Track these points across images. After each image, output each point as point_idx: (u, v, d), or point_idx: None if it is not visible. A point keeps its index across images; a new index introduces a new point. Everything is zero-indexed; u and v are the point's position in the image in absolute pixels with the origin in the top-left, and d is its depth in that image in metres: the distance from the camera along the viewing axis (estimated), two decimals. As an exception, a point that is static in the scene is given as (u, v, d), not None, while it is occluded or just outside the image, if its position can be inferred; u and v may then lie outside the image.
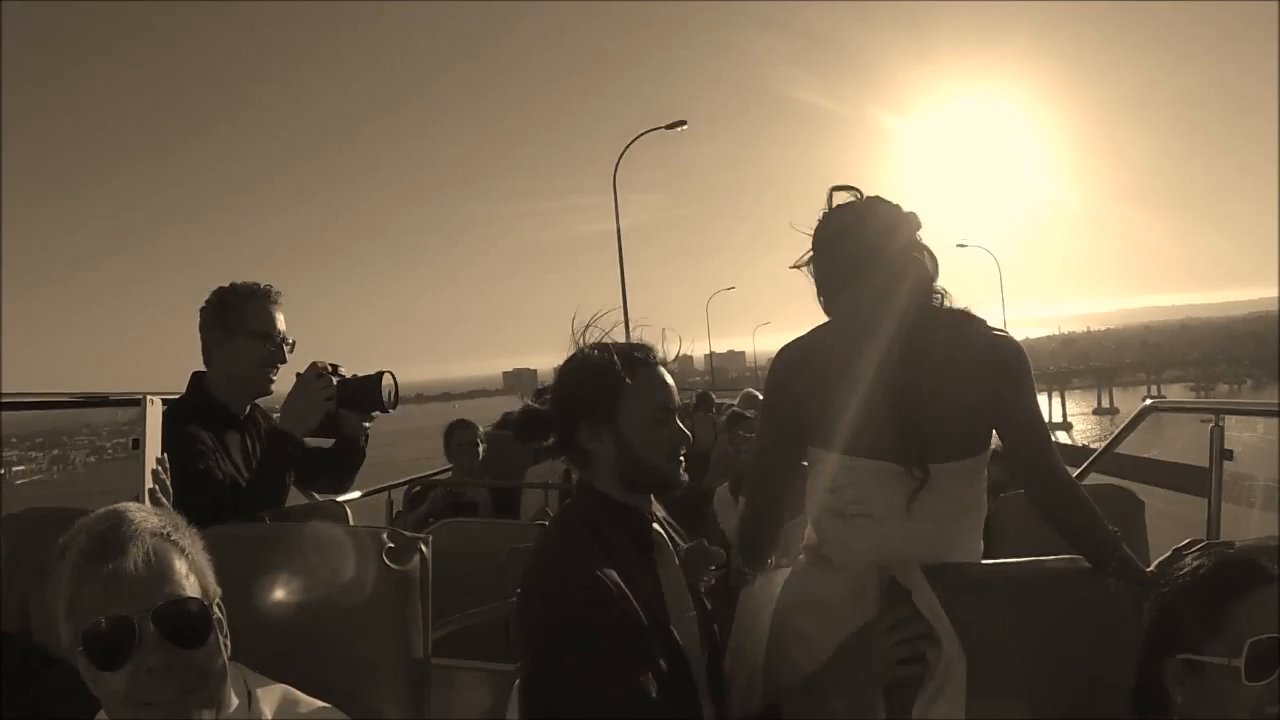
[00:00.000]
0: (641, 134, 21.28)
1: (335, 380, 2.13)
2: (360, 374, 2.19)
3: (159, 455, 1.83)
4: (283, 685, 1.26)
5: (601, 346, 1.51)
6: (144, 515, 1.12)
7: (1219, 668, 1.11)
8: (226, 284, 2.19)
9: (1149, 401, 3.53)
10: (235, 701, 1.17)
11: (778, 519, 1.67)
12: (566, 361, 1.54)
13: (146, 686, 1.05)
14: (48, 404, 2.65)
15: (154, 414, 2.10)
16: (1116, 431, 3.58)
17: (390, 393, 2.17)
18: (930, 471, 1.49)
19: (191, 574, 1.12)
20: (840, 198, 1.61)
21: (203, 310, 2.17)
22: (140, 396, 2.44)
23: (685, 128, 21.64)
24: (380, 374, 2.18)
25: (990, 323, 1.58)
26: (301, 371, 2.16)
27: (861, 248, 1.55)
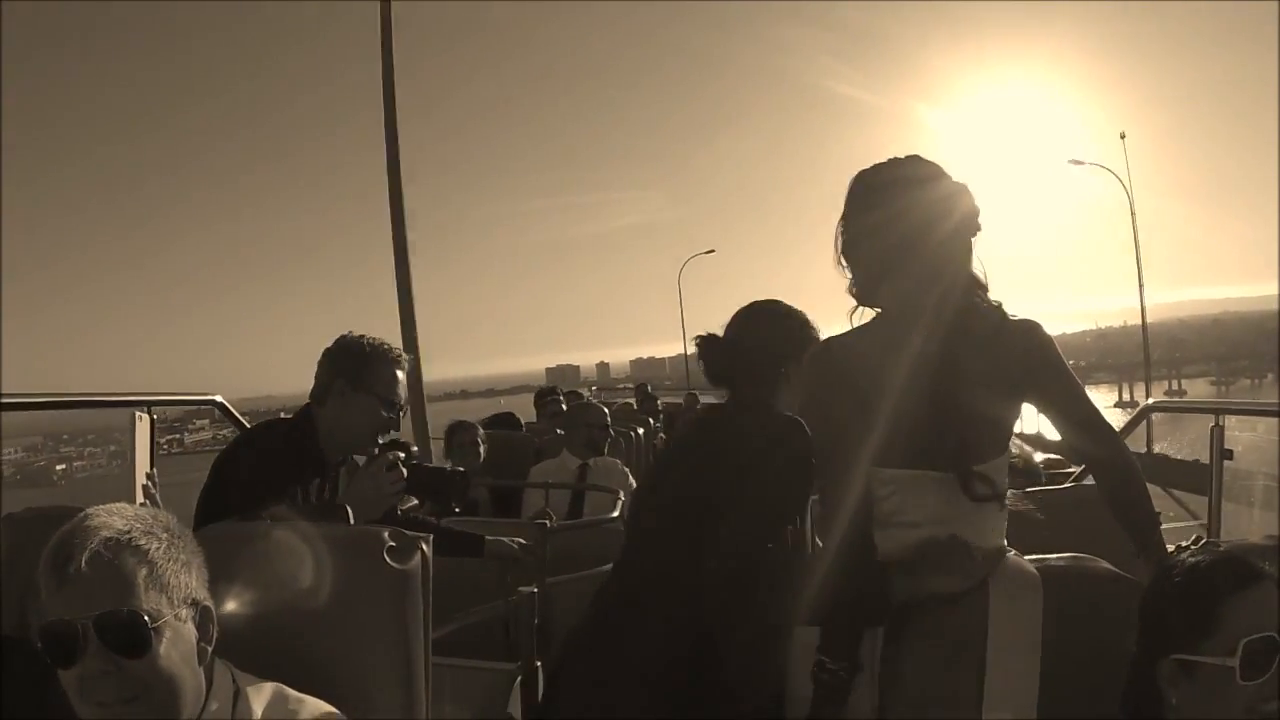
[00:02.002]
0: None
1: (405, 469, 2.06)
2: (433, 465, 2.21)
3: (149, 470, 1.83)
4: (274, 683, 1.26)
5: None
6: (106, 520, 1.13)
7: (1213, 667, 1.10)
8: (355, 334, 2.15)
9: (1151, 400, 3.54)
10: (217, 702, 1.18)
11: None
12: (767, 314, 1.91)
13: (92, 688, 1.08)
14: (45, 405, 2.66)
15: (143, 429, 2.09)
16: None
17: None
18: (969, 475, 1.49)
19: (152, 580, 1.12)
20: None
21: (331, 354, 2.14)
22: (134, 399, 2.44)
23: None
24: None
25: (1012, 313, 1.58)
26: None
27: (897, 240, 1.52)
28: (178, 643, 1.13)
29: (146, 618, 1.10)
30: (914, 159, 1.58)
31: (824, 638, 1.50)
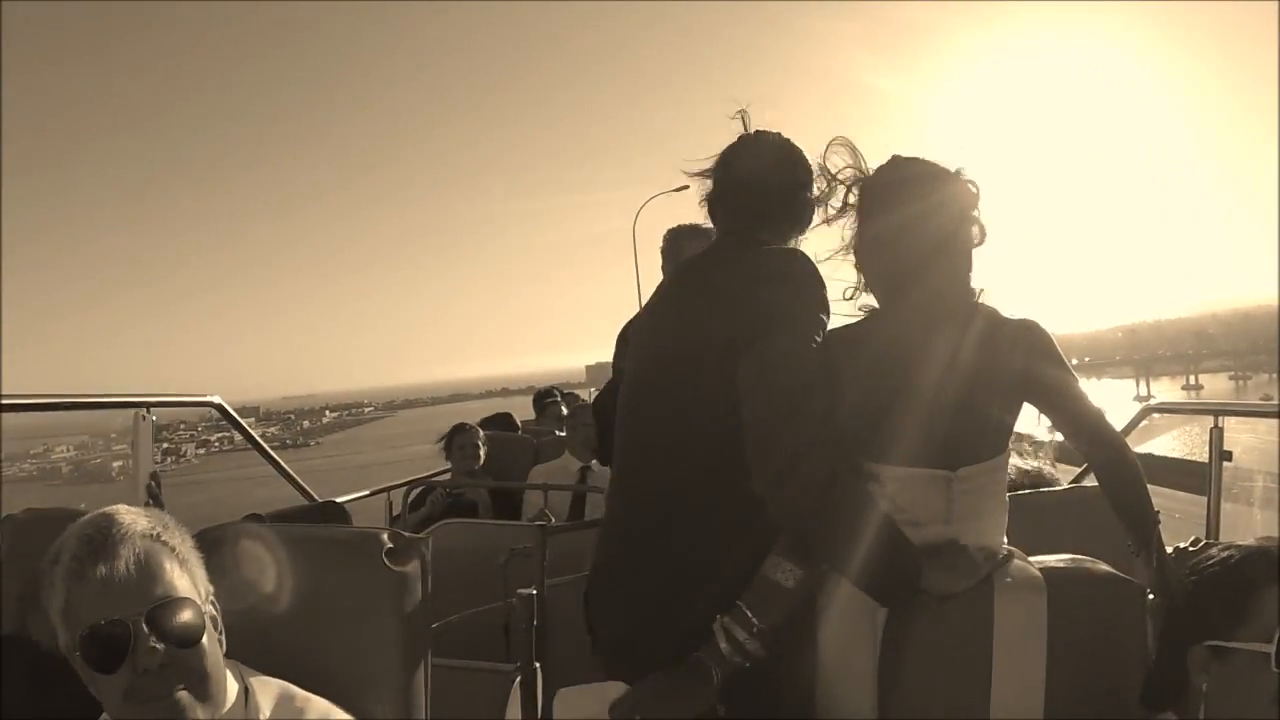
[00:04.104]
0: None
1: None
2: None
3: (152, 469, 1.82)
4: (279, 680, 1.26)
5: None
6: (133, 517, 1.14)
7: (1247, 654, 1.13)
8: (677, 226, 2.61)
9: (1154, 400, 3.54)
10: (232, 698, 1.18)
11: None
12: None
13: (143, 686, 1.07)
14: (47, 406, 2.66)
15: (145, 429, 2.08)
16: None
17: None
18: (971, 472, 1.49)
19: (184, 574, 1.14)
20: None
21: (679, 235, 2.63)
22: (135, 401, 2.44)
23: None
24: None
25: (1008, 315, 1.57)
26: None
27: (928, 238, 1.52)
28: (212, 633, 1.15)
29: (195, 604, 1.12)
30: (920, 159, 1.58)
31: (757, 598, 1.42)
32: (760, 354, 1.45)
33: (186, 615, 1.10)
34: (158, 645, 1.07)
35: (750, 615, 1.41)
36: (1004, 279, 1.59)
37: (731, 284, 1.57)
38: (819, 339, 1.49)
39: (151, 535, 1.13)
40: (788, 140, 1.73)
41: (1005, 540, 1.59)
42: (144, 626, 1.07)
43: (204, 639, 1.12)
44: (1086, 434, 1.57)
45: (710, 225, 1.81)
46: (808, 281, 1.55)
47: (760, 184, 1.68)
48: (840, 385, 1.53)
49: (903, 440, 1.50)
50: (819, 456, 1.39)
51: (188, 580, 1.14)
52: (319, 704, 1.26)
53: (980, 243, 1.56)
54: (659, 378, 1.62)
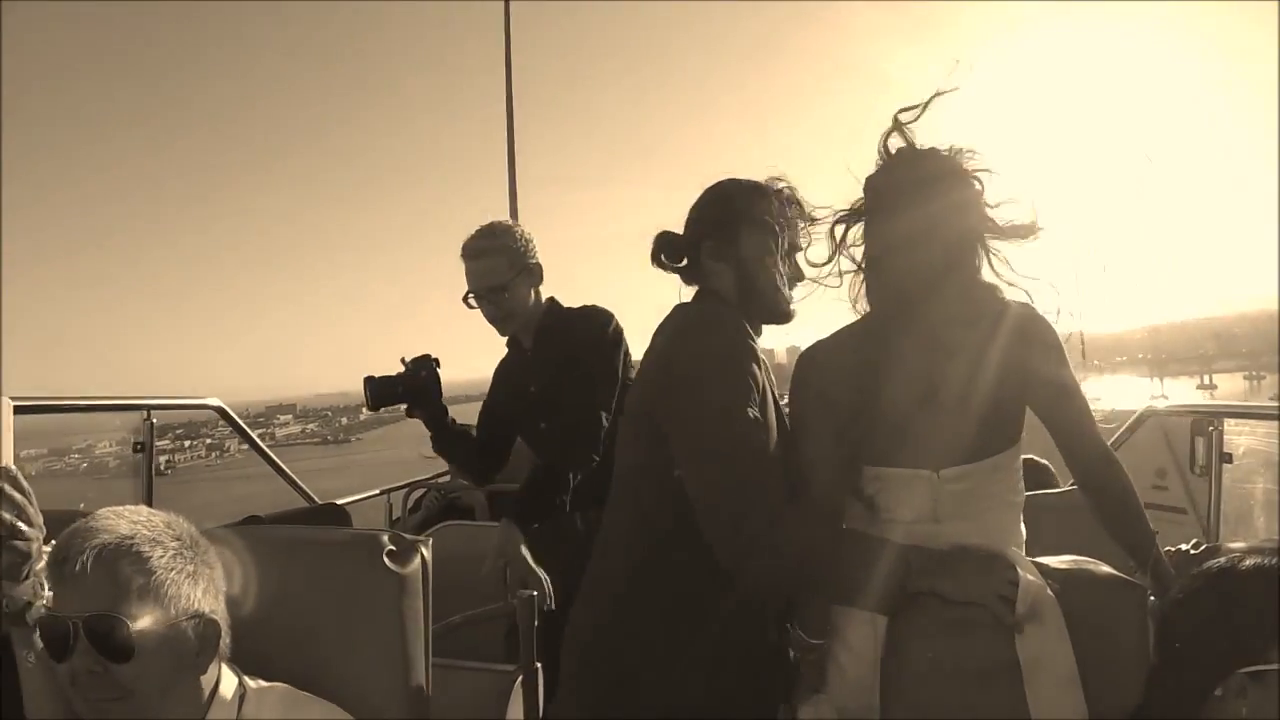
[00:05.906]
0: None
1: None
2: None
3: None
4: (282, 685, 1.27)
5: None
6: (112, 523, 1.15)
7: None
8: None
9: (1153, 402, 3.54)
10: (220, 706, 1.19)
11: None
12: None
13: (79, 685, 1.11)
14: (48, 409, 2.67)
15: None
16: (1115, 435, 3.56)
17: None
18: (957, 473, 1.45)
19: (147, 590, 1.13)
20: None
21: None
22: (136, 404, 2.45)
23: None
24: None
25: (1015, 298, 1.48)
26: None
27: (940, 252, 1.43)
28: (169, 652, 1.14)
29: (133, 625, 1.11)
30: (931, 153, 1.47)
31: (809, 617, 1.47)
32: (685, 442, 1.45)
33: (117, 633, 1.10)
34: (90, 653, 1.10)
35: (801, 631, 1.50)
36: (1033, 276, 1.48)
37: (657, 347, 1.59)
38: (741, 401, 1.43)
39: (120, 546, 1.13)
40: (735, 180, 1.66)
41: (1023, 539, 1.54)
42: (80, 632, 1.10)
43: (142, 657, 1.12)
44: (1078, 446, 1.52)
45: None
46: (719, 345, 1.49)
47: (689, 228, 1.67)
48: (850, 397, 1.47)
49: (885, 441, 1.46)
50: (769, 541, 1.38)
51: (151, 596, 1.14)
52: (321, 706, 1.27)
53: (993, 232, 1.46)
54: (627, 425, 1.67)
